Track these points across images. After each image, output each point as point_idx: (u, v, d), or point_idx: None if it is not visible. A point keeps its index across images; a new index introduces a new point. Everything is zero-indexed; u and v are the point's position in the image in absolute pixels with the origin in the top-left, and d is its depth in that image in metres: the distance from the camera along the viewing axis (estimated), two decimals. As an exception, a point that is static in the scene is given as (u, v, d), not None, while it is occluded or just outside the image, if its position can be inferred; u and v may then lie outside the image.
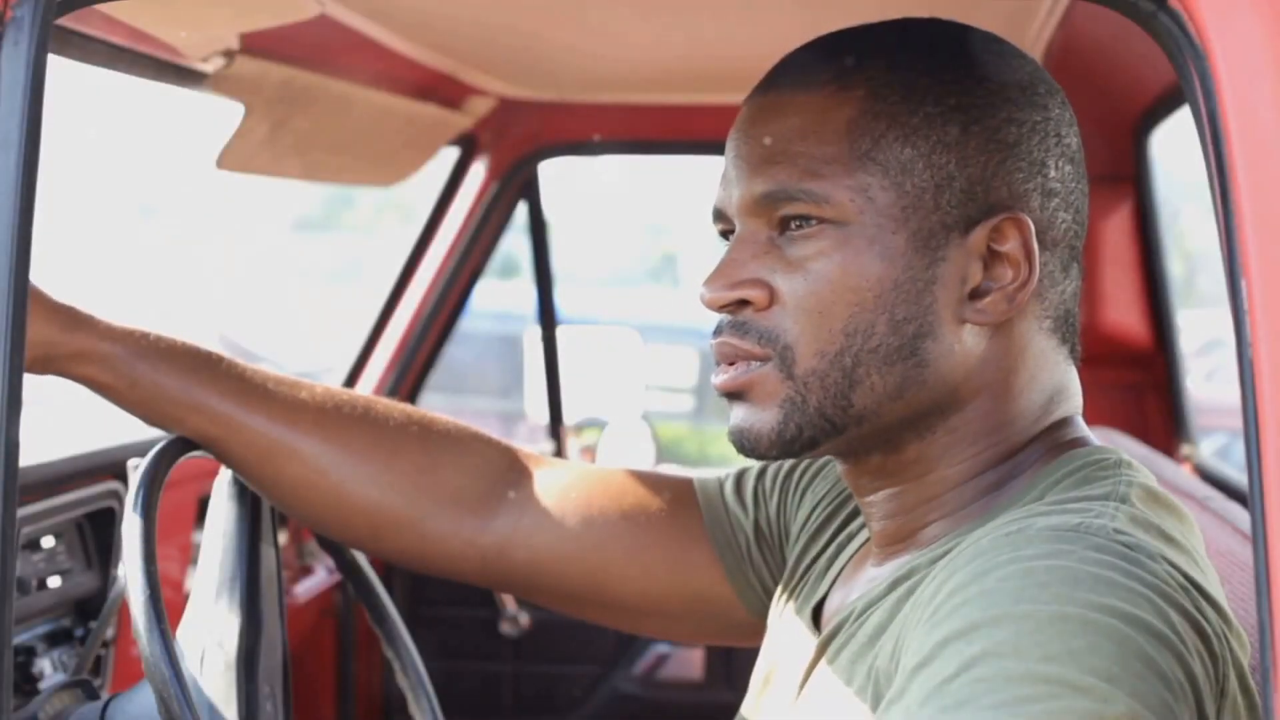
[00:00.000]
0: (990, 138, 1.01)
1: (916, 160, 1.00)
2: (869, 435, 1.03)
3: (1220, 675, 0.86)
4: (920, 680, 0.83)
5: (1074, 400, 1.07)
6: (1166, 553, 0.90)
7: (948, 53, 1.03)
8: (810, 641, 1.10)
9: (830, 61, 1.04)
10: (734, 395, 1.04)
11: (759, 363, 1.02)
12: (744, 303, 1.03)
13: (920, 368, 1.01)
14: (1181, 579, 0.88)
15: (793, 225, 1.02)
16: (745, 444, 1.04)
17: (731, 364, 1.04)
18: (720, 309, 1.04)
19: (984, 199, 1.01)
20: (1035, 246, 1.01)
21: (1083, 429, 1.06)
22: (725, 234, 1.09)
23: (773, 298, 1.02)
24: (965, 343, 1.02)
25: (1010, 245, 1.01)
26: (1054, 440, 1.04)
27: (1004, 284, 1.01)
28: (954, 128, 1.00)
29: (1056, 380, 1.06)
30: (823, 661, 1.06)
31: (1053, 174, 1.03)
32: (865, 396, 1.01)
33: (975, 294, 1.01)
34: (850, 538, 1.18)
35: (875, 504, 1.08)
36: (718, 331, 1.04)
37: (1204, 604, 0.88)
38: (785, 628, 1.17)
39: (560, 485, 1.34)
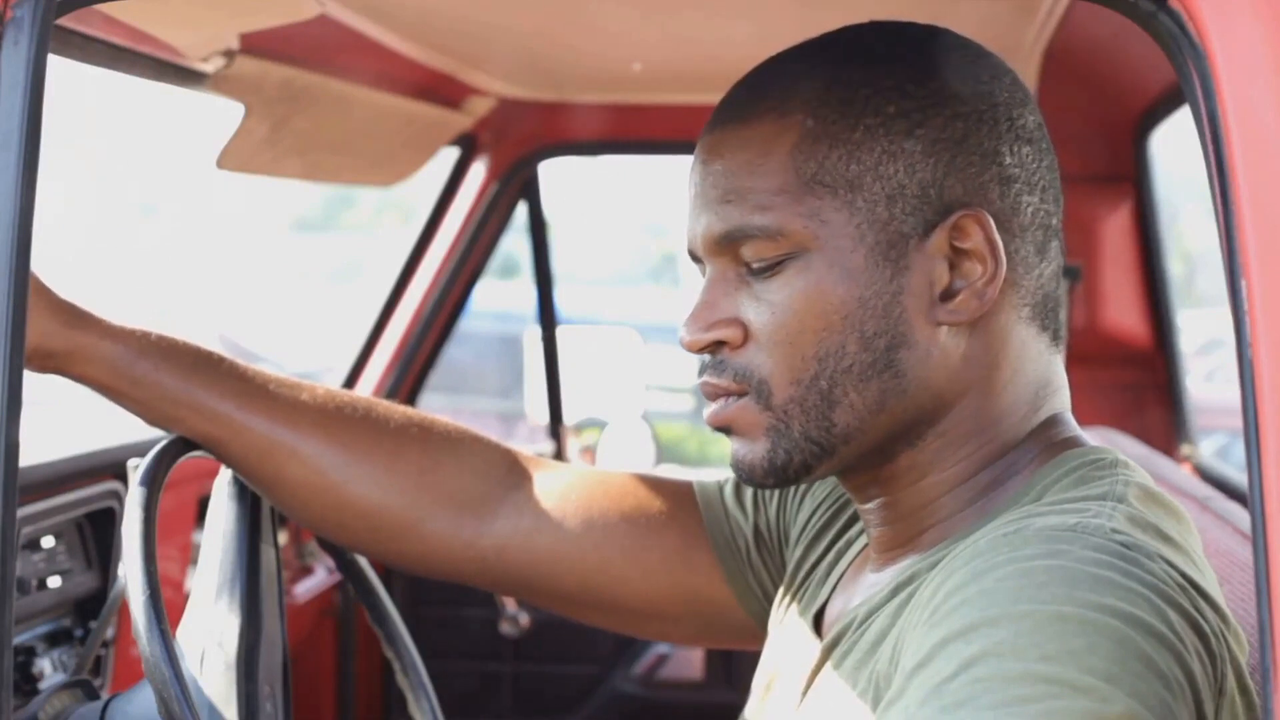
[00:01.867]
0: (936, 138, 1.00)
1: (864, 175, 1.00)
2: (860, 452, 1.04)
3: (1219, 674, 0.86)
4: (919, 681, 0.83)
5: (1062, 394, 1.07)
6: (1164, 552, 0.90)
7: (885, 58, 1.03)
8: (812, 648, 1.10)
9: (769, 90, 1.04)
10: (723, 430, 1.06)
11: (736, 397, 1.04)
12: (720, 343, 1.04)
13: (898, 378, 1.01)
14: (1179, 578, 0.88)
15: (755, 260, 1.02)
16: (742, 475, 1.06)
17: (713, 401, 1.06)
18: (699, 351, 1.05)
19: (939, 200, 1.00)
20: (998, 238, 1.00)
21: (1074, 427, 1.06)
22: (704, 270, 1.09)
23: (746, 334, 1.03)
24: (943, 345, 1.01)
25: (973, 241, 1.00)
26: (1048, 440, 1.04)
27: (973, 281, 1.01)
28: (897, 135, 1.00)
29: (1041, 371, 1.05)
30: (826, 668, 1.06)
31: (1008, 160, 1.02)
32: (846, 415, 1.01)
33: (945, 295, 1.01)
34: (850, 543, 1.18)
35: (872, 511, 1.08)
36: (700, 372, 1.06)
37: (1202, 603, 0.88)
38: (786, 633, 1.17)
39: (560, 487, 1.34)
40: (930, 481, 1.04)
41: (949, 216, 1.00)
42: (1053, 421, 1.05)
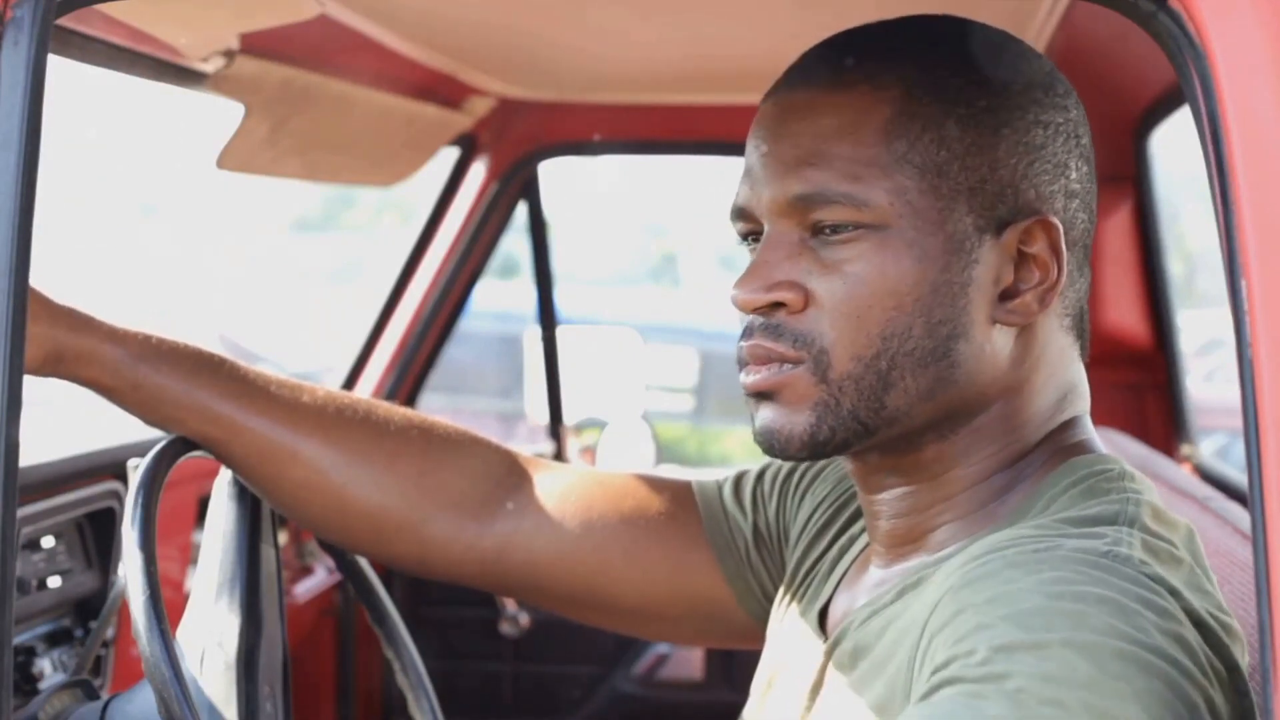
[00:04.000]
0: (1019, 140, 1.01)
1: (951, 162, 1.00)
2: (897, 436, 1.03)
3: (1245, 709, 0.88)
4: (949, 693, 0.83)
5: (1083, 400, 1.08)
6: (1182, 588, 0.90)
7: (974, 52, 1.03)
8: (817, 646, 1.10)
9: (861, 60, 1.03)
10: (763, 395, 1.03)
11: (791, 365, 1.01)
12: (777, 305, 1.02)
13: (952, 368, 1.01)
14: (1200, 615, 0.89)
15: (828, 228, 1.01)
16: (775, 444, 1.03)
17: (763, 364, 1.02)
18: (753, 311, 1.03)
19: (1013, 201, 1.01)
20: (1064, 247, 1.01)
21: (1088, 429, 1.06)
22: (747, 235, 1.07)
23: (807, 300, 1.01)
24: (994, 343, 1.02)
25: (1038, 247, 1.01)
26: (1059, 444, 1.04)
27: (1033, 285, 1.01)
28: (986, 131, 1.00)
29: (1070, 378, 1.06)
30: (831, 669, 1.05)
31: (1073, 175, 1.03)
32: (899, 398, 1.01)
33: (1005, 295, 1.01)
34: (853, 540, 1.18)
35: (886, 502, 1.07)
36: (748, 334, 1.03)
37: (1220, 633, 0.89)
38: (789, 631, 1.17)
39: (559, 488, 1.34)
40: (952, 476, 1.04)
41: (1021, 218, 1.01)
42: (1068, 425, 1.05)
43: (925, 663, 0.89)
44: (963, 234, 1.00)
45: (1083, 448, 1.04)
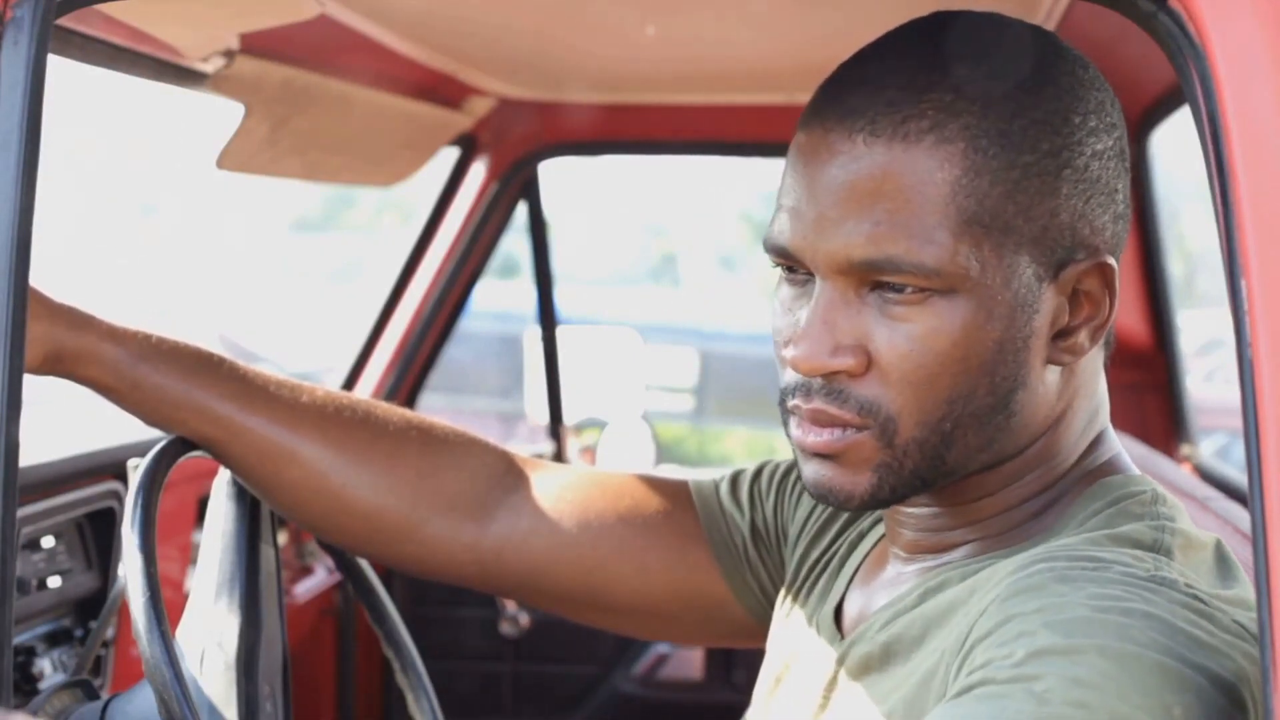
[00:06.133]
0: (1078, 179, 0.97)
1: (1016, 216, 0.96)
2: (950, 480, 1.02)
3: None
4: (978, 692, 0.83)
5: (1106, 409, 1.07)
6: (1226, 605, 0.90)
7: (1034, 79, 0.98)
8: (832, 645, 1.10)
9: (921, 99, 0.96)
10: (822, 455, 1.00)
11: (855, 430, 0.99)
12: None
13: (1010, 418, 0.99)
14: (1247, 634, 0.89)
15: (890, 288, 0.96)
16: (832, 500, 1.01)
17: (825, 427, 0.99)
18: (814, 375, 0.98)
19: (1070, 240, 0.98)
20: (1118, 285, 1.00)
21: (1115, 444, 1.06)
22: (783, 266, 1.02)
23: (870, 362, 0.97)
24: (1046, 383, 1.00)
25: (1092, 284, 0.99)
26: (1089, 465, 1.04)
27: (1085, 321, 1.00)
28: (1049, 176, 0.96)
29: (1099, 394, 1.06)
30: (850, 665, 1.05)
31: (1120, 197, 1.01)
32: (958, 454, 0.99)
33: (1059, 334, 1.00)
34: (862, 535, 1.17)
35: (914, 516, 1.06)
36: (805, 393, 0.99)
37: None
38: (797, 629, 1.17)
39: (556, 489, 1.34)
40: (987, 501, 1.03)
41: (1078, 257, 0.98)
42: (1097, 442, 1.05)
43: (965, 667, 0.89)
44: (1026, 287, 0.97)
45: (1112, 467, 1.04)
